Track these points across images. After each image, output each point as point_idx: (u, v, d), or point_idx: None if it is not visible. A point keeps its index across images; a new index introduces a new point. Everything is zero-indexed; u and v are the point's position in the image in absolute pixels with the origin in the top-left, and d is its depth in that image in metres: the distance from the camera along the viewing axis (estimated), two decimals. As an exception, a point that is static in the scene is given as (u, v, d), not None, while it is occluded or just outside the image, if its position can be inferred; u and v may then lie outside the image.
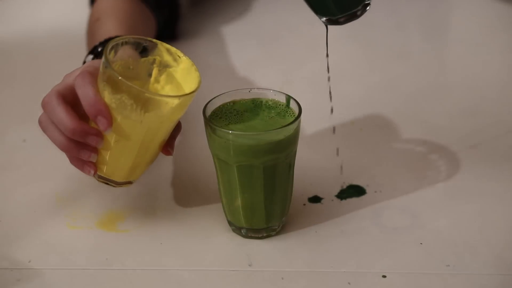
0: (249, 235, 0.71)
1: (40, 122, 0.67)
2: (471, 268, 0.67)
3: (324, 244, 0.71)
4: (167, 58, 0.69)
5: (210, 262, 0.69)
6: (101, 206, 0.77)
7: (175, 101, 0.64)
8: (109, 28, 0.89)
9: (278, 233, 0.72)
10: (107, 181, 0.69)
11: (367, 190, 0.78)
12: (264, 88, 0.71)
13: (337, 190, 0.78)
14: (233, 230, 0.72)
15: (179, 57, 0.69)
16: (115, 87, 0.63)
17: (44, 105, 0.66)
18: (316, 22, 0.66)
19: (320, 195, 0.77)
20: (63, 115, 0.64)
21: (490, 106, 0.95)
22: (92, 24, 0.95)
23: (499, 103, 0.96)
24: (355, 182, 0.79)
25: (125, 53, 0.68)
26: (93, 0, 1.04)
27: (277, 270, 0.68)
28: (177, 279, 0.67)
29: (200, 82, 0.67)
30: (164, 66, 0.69)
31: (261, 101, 0.71)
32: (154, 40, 0.69)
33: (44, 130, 0.67)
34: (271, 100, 0.71)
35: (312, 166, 0.82)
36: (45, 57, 1.14)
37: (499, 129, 0.90)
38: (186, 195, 0.78)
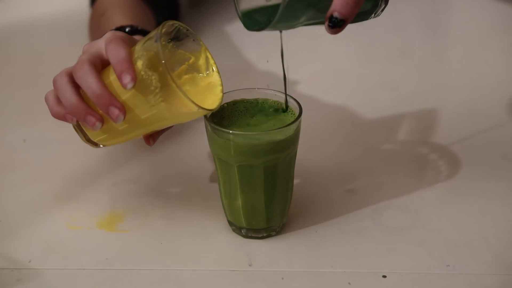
0: (249, 235, 0.71)
1: (54, 81, 0.66)
2: (471, 268, 0.67)
3: (324, 244, 0.71)
4: (201, 64, 0.68)
5: (210, 262, 0.69)
6: (101, 206, 0.77)
7: (194, 109, 0.63)
8: (118, 19, 0.89)
9: (278, 233, 0.72)
10: (81, 132, 0.68)
11: (367, 190, 0.78)
12: (265, 88, 0.71)
13: (337, 190, 0.78)
14: (233, 230, 0.72)
15: (213, 70, 0.68)
16: (152, 63, 0.62)
17: (76, 70, 0.65)
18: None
19: (320, 195, 0.77)
20: (94, 80, 0.63)
21: (490, 106, 0.95)
22: (97, 19, 0.95)
23: (499, 103, 0.96)
24: (354, 182, 0.79)
25: (168, 37, 0.67)
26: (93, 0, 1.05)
27: (277, 270, 0.68)
28: (177, 279, 0.67)
29: (220, 104, 0.67)
30: (193, 69, 0.68)
31: (262, 101, 0.71)
32: (202, 43, 0.68)
33: (57, 88, 0.66)
34: (271, 100, 0.71)
35: (312, 166, 0.82)
36: (45, 57, 1.14)
37: (499, 129, 0.90)
38: (186, 195, 0.78)
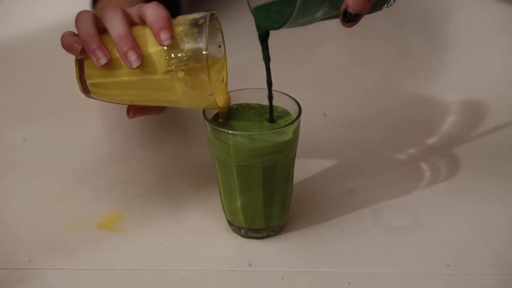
0: (249, 235, 0.71)
1: (78, 14, 0.65)
2: (471, 268, 0.67)
3: (324, 244, 0.71)
4: (214, 72, 0.68)
5: (210, 262, 0.69)
6: (101, 206, 0.77)
7: (208, 92, 0.62)
8: None
9: (278, 233, 0.72)
10: (80, 68, 0.66)
11: (367, 190, 0.78)
12: (264, 89, 0.71)
13: (337, 190, 0.78)
14: (233, 230, 0.72)
15: (222, 81, 0.68)
16: (192, 34, 0.62)
17: (107, 11, 0.64)
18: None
19: (320, 195, 0.77)
20: (122, 23, 0.63)
21: (490, 106, 0.95)
22: None
23: (499, 103, 0.96)
24: (354, 182, 0.79)
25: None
26: (95, 0, 1.04)
27: (277, 270, 0.68)
28: (177, 279, 0.67)
29: (224, 109, 0.67)
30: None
31: (262, 103, 0.71)
32: (225, 51, 0.68)
33: (78, 20, 0.65)
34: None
35: (312, 166, 0.82)
36: (45, 57, 1.14)
37: (499, 129, 0.90)
38: (186, 195, 0.78)
